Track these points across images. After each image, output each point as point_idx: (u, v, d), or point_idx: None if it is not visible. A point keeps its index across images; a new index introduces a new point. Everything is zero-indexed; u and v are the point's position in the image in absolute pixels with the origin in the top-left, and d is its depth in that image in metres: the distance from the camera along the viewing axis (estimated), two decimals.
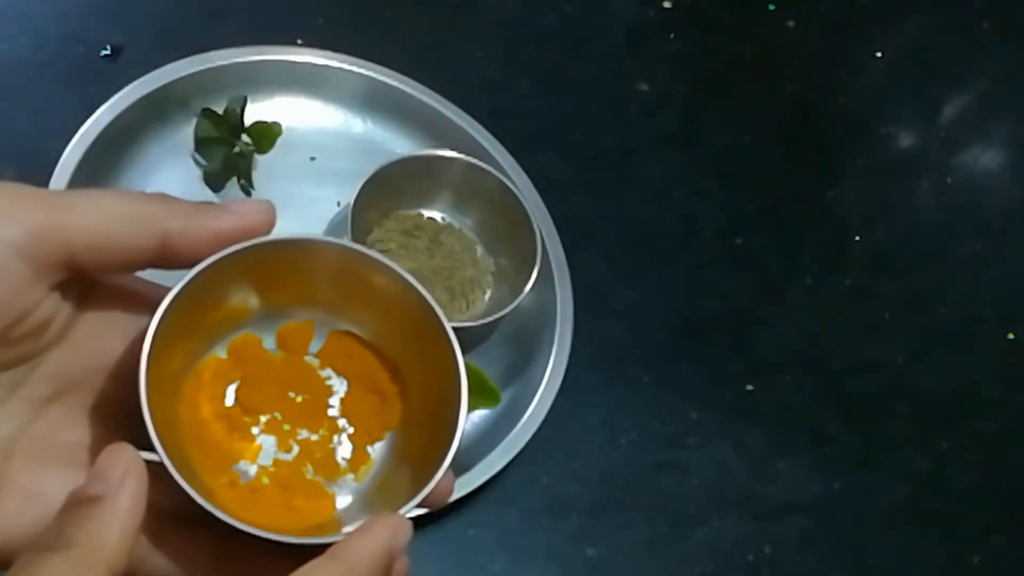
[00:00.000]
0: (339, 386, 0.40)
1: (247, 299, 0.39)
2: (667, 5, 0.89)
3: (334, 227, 0.71)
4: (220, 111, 0.69)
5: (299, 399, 0.39)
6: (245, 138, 0.70)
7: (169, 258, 0.35)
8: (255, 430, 0.38)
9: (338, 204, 0.72)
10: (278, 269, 0.38)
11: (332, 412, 0.39)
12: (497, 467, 0.64)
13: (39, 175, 0.63)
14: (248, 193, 0.71)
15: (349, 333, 0.40)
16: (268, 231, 0.37)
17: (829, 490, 0.72)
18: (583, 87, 0.84)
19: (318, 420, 0.39)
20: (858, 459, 0.74)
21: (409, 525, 0.34)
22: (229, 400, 0.38)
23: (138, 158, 0.69)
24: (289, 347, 0.40)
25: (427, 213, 0.73)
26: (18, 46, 0.72)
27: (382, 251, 0.70)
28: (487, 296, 0.72)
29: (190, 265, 0.35)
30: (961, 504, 0.74)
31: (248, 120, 0.70)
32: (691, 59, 0.88)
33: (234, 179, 0.71)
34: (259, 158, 0.72)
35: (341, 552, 0.33)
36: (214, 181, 0.70)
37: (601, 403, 0.71)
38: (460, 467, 0.63)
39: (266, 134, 0.71)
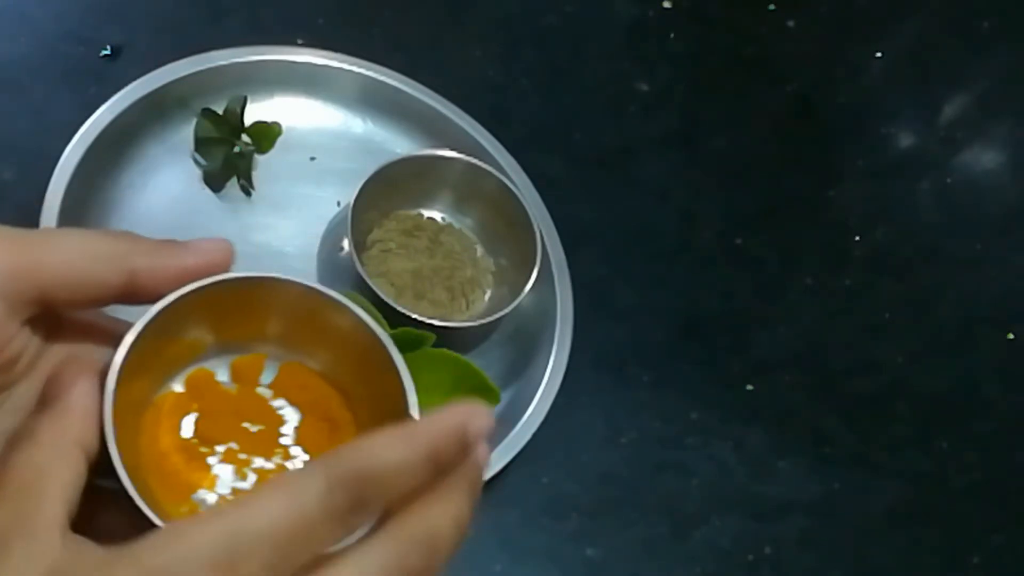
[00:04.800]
0: (292, 416, 0.41)
1: (203, 334, 0.41)
2: (667, 5, 0.89)
3: (334, 227, 0.71)
4: (220, 111, 0.69)
5: (254, 429, 0.40)
6: (245, 138, 0.70)
7: (134, 294, 0.36)
8: (212, 460, 0.39)
9: (338, 204, 0.72)
10: (232, 305, 0.40)
11: (286, 440, 0.40)
12: (497, 467, 0.64)
13: (39, 175, 0.63)
14: (248, 193, 0.71)
15: (301, 364, 0.42)
16: (227, 268, 0.38)
17: (829, 490, 0.72)
18: (583, 87, 0.84)
19: (272, 449, 0.40)
20: (858, 459, 0.74)
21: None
22: (187, 432, 0.40)
23: (138, 158, 0.69)
24: (243, 379, 0.42)
25: (427, 213, 0.73)
26: (18, 46, 0.72)
27: (382, 251, 0.70)
28: (487, 296, 0.72)
29: (153, 300, 0.36)
30: (961, 504, 0.74)
31: (248, 120, 0.70)
32: (691, 59, 0.88)
33: (234, 179, 0.71)
34: (259, 158, 0.72)
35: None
36: (214, 181, 0.70)
37: (601, 403, 0.71)
38: None
39: (266, 134, 0.71)
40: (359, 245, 0.68)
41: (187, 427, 0.40)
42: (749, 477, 0.71)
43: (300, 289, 0.40)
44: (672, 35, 0.88)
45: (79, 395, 0.34)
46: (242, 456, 0.40)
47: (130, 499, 0.34)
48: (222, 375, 0.42)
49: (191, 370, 0.41)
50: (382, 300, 0.64)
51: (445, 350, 0.61)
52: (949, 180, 0.89)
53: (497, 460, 0.64)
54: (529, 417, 0.66)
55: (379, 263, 0.69)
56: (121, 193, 0.68)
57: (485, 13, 0.85)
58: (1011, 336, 0.82)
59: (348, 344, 0.41)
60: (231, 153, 0.70)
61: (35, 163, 0.64)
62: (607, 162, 0.81)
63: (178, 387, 0.41)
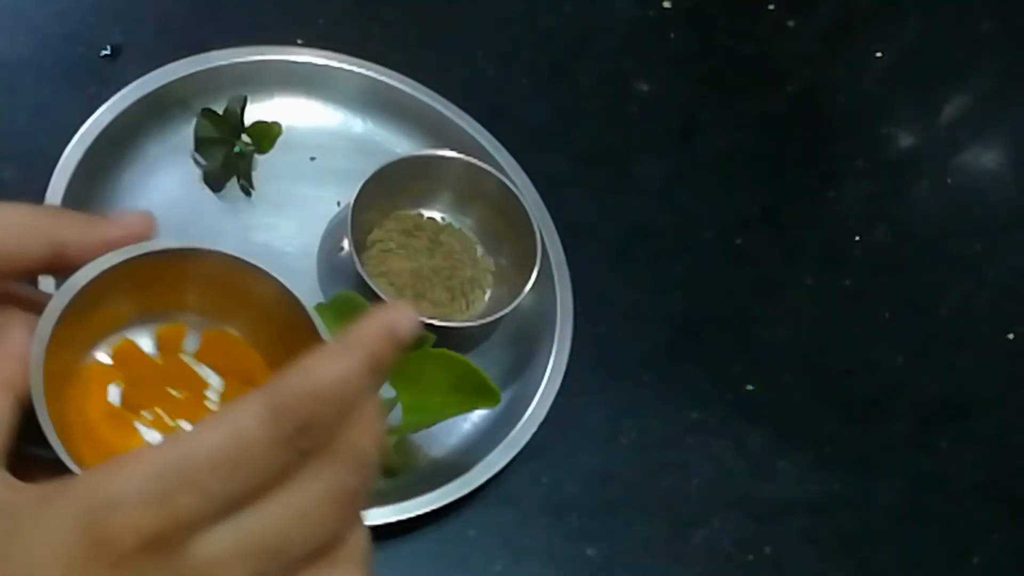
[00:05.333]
0: (216, 381, 0.42)
1: (126, 304, 0.42)
2: (667, 5, 0.89)
3: (334, 227, 0.71)
4: (220, 111, 0.69)
5: (179, 395, 0.42)
6: (245, 138, 0.70)
7: (61, 265, 0.37)
8: (140, 426, 0.40)
9: (338, 204, 0.72)
10: (155, 275, 0.41)
11: (211, 406, 0.42)
12: (497, 467, 0.64)
13: (39, 175, 0.63)
14: (248, 193, 0.71)
15: (223, 331, 0.43)
16: (149, 238, 0.39)
17: (829, 490, 0.72)
18: (583, 87, 0.84)
19: (198, 413, 0.41)
20: (858, 459, 0.74)
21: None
22: (113, 400, 0.41)
23: (138, 158, 0.69)
24: (166, 348, 0.43)
25: (427, 213, 0.73)
26: (18, 46, 0.72)
27: (382, 251, 0.70)
28: (487, 296, 0.72)
29: None
30: (961, 504, 0.74)
31: (248, 120, 0.70)
32: (691, 59, 0.88)
33: (234, 179, 0.71)
34: (259, 158, 0.72)
35: (342, 340, 0.32)
36: (214, 181, 0.70)
37: (601, 403, 0.71)
38: (460, 467, 0.63)
39: (266, 134, 0.71)
40: (359, 245, 0.68)
41: (113, 395, 0.41)
42: (749, 477, 0.71)
43: (220, 258, 0.41)
44: (672, 35, 0.88)
45: (13, 340, 0.35)
46: (169, 422, 0.41)
47: (63, 465, 0.34)
48: (146, 344, 0.43)
49: (116, 340, 0.42)
50: (382, 300, 0.64)
51: (445, 350, 0.61)
52: (949, 180, 0.89)
53: (497, 460, 0.64)
54: (529, 417, 0.66)
55: (379, 263, 0.69)
56: (121, 193, 0.68)
57: (485, 13, 0.85)
58: (1011, 336, 0.82)
59: (268, 309, 0.42)
60: (231, 153, 0.70)
61: (35, 163, 0.64)
62: (607, 162, 0.81)
63: (103, 357, 0.42)
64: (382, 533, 0.61)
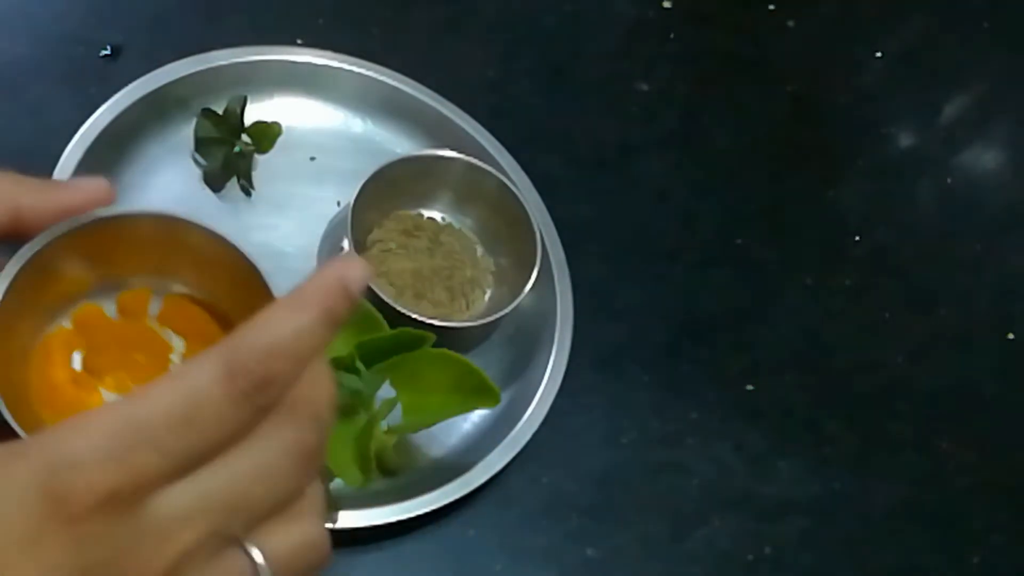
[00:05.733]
0: (179, 345, 0.43)
1: (87, 271, 0.43)
2: (667, 5, 0.89)
3: (334, 227, 0.71)
4: (220, 111, 0.69)
5: (141, 359, 0.42)
6: (245, 138, 0.70)
7: (19, 231, 0.38)
8: (104, 391, 0.41)
9: (338, 204, 0.72)
10: (114, 241, 0.42)
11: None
12: (497, 467, 0.64)
13: (39, 175, 0.63)
14: (248, 193, 0.71)
15: (184, 295, 0.44)
16: (108, 204, 0.39)
17: (829, 490, 0.72)
18: (583, 87, 0.84)
19: (160, 375, 0.42)
20: (858, 459, 0.74)
21: (360, 261, 0.33)
22: (77, 365, 0.42)
23: (138, 158, 0.69)
24: (129, 313, 0.44)
25: (427, 213, 0.73)
26: (18, 46, 0.72)
27: (382, 251, 0.70)
28: (487, 296, 0.72)
29: None
30: (961, 504, 0.74)
31: (248, 120, 0.70)
32: (691, 59, 0.88)
33: (234, 179, 0.71)
34: (259, 158, 0.72)
35: (295, 295, 0.32)
36: (214, 181, 0.70)
37: (601, 403, 0.71)
38: (460, 467, 0.63)
39: (266, 134, 0.71)
40: (359, 245, 0.68)
41: (77, 361, 0.42)
42: (749, 477, 0.71)
43: (174, 222, 0.42)
44: (672, 35, 0.88)
45: None
46: (131, 385, 0.41)
47: (12, 431, 0.35)
48: (109, 310, 0.44)
49: (78, 306, 0.43)
50: (382, 300, 0.64)
51: (445, 350, 0.61)
52: (949, 180, 0.89)
53: (497, 460, 0.64)
54: (529, 417, 0.66)
55: (379, 263, 0.69)
56: (121, 193, 0.66)
57: (485, 13, 0.85)
58: (1011, 336, 0.82)
59: (224, 270, 0.42)
60: (231, 153, 0.70)
61: (35, 163, 0.64)
62: (607, 162, 0.81)
63: (66, 323, 0.43)
64: (382, 533, 0.61)
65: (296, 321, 0.31)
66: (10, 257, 0.38)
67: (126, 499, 0.29)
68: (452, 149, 0.72)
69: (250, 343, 0.30)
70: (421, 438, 0.65)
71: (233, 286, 0.42)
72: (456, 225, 0.73)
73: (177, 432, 0.29)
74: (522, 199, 0.71)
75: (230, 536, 0.31)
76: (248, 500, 0.31)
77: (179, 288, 0.44)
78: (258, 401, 0.30)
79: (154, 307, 0.44)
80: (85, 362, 0.42)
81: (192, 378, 0.30)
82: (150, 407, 0.29)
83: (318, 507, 0.33)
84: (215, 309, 0.44)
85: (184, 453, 0.30)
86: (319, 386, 0.32)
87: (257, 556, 0.31)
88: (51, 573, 0.29)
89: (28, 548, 0.28)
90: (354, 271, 0.32)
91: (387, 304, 0.64)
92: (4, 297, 0.37)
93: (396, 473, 0.64)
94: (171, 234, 0.42)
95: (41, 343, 0.42)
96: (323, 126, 0.74)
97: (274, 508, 0.32)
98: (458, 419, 0.66)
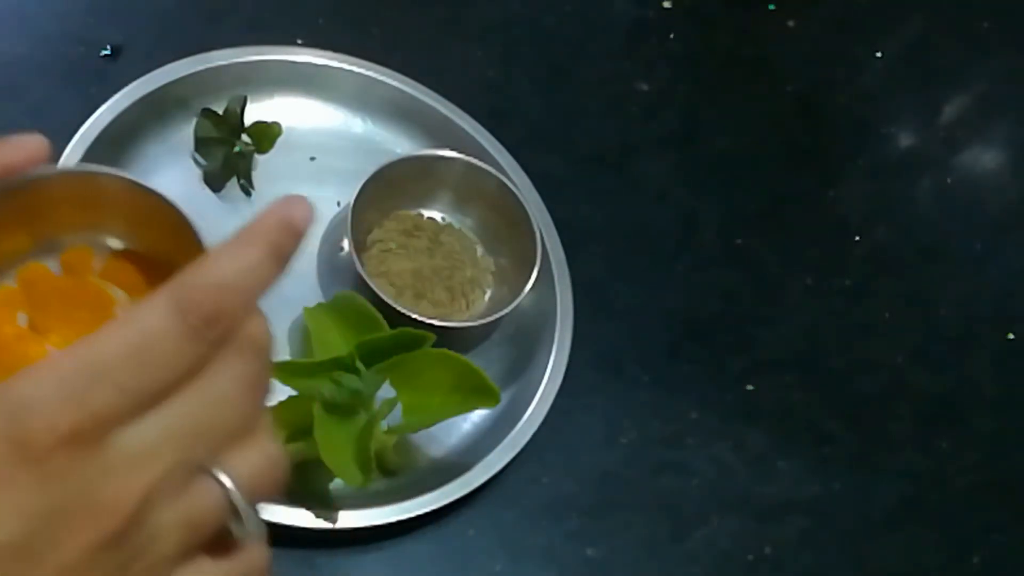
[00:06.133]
0: (122, 298, 0.44)
1: (29, 230, 0.43)
2: (667, 5, 0.89)
3: (334, 227, 0.71)
4: (220, 111, 0.69)
5: (86, 315, 0.43)
6: (245, 138, 0.70)
7: None
8: (49, 347, 0.41)
9: (338, 204, 0.72)
10: (44, 200, 0.42)
11: None
12: (497, 467, 0.64)
13: None
14: (248, 193, 0.71)
15: (125, 250, 0.45)
16: (45, 161, 0.39)
17: (829, 490, 0.72)
18: (583, 87, 0.84)
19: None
20: (858, 459, 0.74)
21: (304, 199, 0.35)
22: (23, 323, 0.42)
23: (138, 158, 0.69)
24: (73, 270, 0.45)
25: (427, 213, 0.73)
26: (18, 46, 0.72)
27: (382, 251, 0.70)
28: (487, 296, 0.72)
29: None
30: (961, 504, 0.74)
31: (248, 120, 0.70)
32: (691, 59, 0.88)
33: (234, 179, 0.71)
34: (259, 158, 0.72)
35: (243, 232, 0.33)
36: (214, 181, 0.70)
37: (601, 403, 0.71)
38: (460, 467, 0.63)
39: (266, 134, 0.71)
40: (359, 245, 0.68)
41: (23, 319, 0.42)
42: (749, 477, 0.71)
43: (102, 178, 0.43)
44: (672, 35, 0.88)
45: None
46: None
47: None
48: (54, 268, 0.45)
49: (23, 265, 0.44)
50: (382, 300, 0.64)
51: (445, 350, 0.61)
52: (949, 180, 0.89)
53: (497, 460, 0.64)
54: (529, 417, 0.66)
55: (379, 263, 0.69)
56: None
57: (485, 13, 0.85)
58: (1011, 336, 0.82)
59: (158, 223, 0.43)
60: (231, 153, 0.70)
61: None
62: (607, 162, 0.81)
63: (10, 282, 0.43)
64: (382, 533, 0.61)
65: (243, 257, 0.32)
66: None
67: (88, 436, 0.29)
68: (452, 149, 0.72)
69: (199, 280, 0.31)
70: (421, 438, 0.65)
71: (168, 238, 0.42)
72: (456, 225, 0.73)
73: (132, 369, 0.30)
74: (522, 199, 0.71)
75: (197, 465, 0.32)
76: (208, 429, 0.32)
77: (117, 243, 0.45)
78: (209, 336, 0.31)
79: (97, 264, 0.45)
80: (31, 320, 0.42)
81: (144, 317, 0.31)
82: (104, 347, 0.30)
83: (270, 431, 0.35)
84: (155, 262, 0.44)
85: (141, 389, 0.30)
86: (258, 322, 0.33)
87: (225, 480, 0.33)
88: (22, 514, 0.29)
89: None
90: (299, 209, 0.34)
91: (387, 304, 0.64)
92: None
93: (396, 473, 0.64)
94: (101, 190, 0.43)
95: None
96: (323, 126, 0.74)
97: (233, 435, 0.33)
98: (458, 419, 0.66)
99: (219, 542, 0.34)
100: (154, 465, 0.31)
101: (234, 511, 0.33)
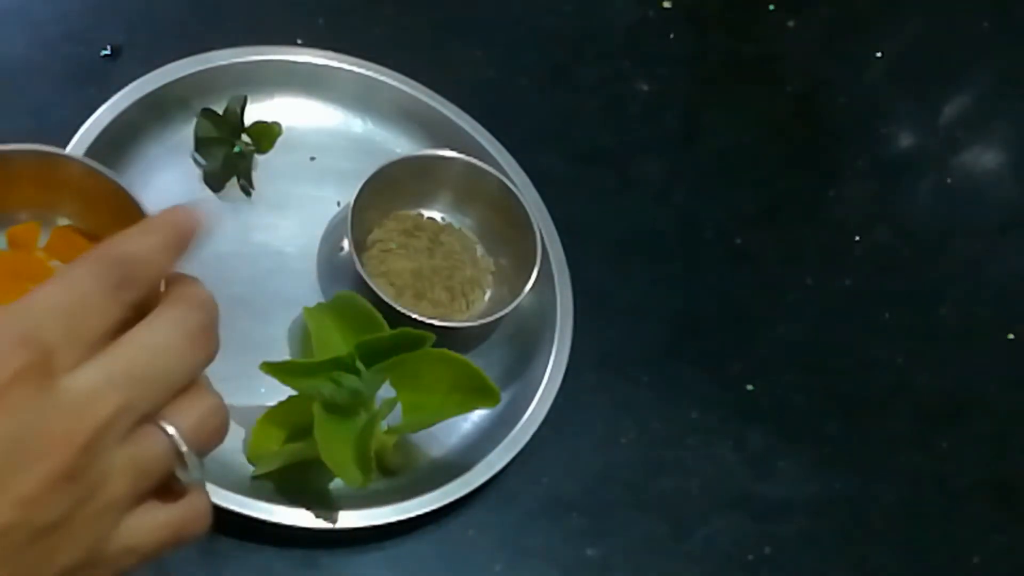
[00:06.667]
0: None
1: None
2: (667, 5, 0.89)
3: (334, 227, 0.71)
4: (220, 111, 0.69)
5: (29, 286, 0.44)
6: (245, 138, 0.70)
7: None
8: None
9: (338, 204, 0.72)
10: (6, 177, 0.46)
11: None
12: (497, 467, 0.64)
13: None
14: (248, 193, 0.71)
15: (70, 227, 0.48)
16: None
17: (829, 490, 0.72)
18: (583, 87, 0.84)
19: None
20: (858, 459, 0.74)
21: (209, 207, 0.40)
22: None
23: (138, 158, 0.69)
24: (19, 245, 0.48)
25: (427, 213, 0.73)
26: (18, 46, 0.72)
27: (382, 251, 0.70)
28: (487, 296, 0.72)
29: None
30: (961, 504, 0.74)
31: (248, 120, 0.70)
32: (691, 59, 0.88)
33: (234, 179, 0.71)
34: (259, 158, 0.72)
35: (150, 222, 0.38)
36: (214, 181, 0.70)
37: (601, 403, 0.71)
38: (460, 467, 0.63)
39: (266, 134, 0.71)
40: (359, 245, 0.68)
41: None
42: (749, 477, 0.71)
43: (53, 157, 0.46)
44: (672, 35, 0.88)
45: None
46: None
47: None
48: (0, 242, 0.48)
49: None
50: (382, 300, 0.64)
51: (445, 350, 0.61)
52: (949, 180, 0.89)
53: (497, 460, 0.64)
54: (529, 417, 0.66)
55: (379, 263, 0.69)
56: None
57: (485, 13, 0.85)
58: (1011, 336, 0.82)
59: (105, 203, 0.46)
60: (231, 153, 0.70)
61: None
62: (607, 162, 0.81)
63: None
64: (382, 533, 0.61)
65: (151, 238, 0.37)
66: None
67: (39, 372, 0.33)
68: (452, 149, 0.72)
69: (110, 250, 0.37)
70: (421, 438, 0.65)
71: (115, 217, 0.44)
72: (456, 225, 0.73)
73: (66, 317, 0.34)
74: (522, 199, 0.71)
75: (143, 414, 0.35)
76: (151, 374, 0.36)
77: (64, 221, 0.48)
78: (125, 297, 0.36)
79: (42, 240, 0.48)
80: None
81: (71, 276, 0.35)
82: (40, 299, 0.35)
83: (208, 382, 0.39)
84: (99, 239, 0.45)
85: (78, 336, 0.34)
86: (193, 284, 0.39)
87: (171, 429, 0.36)
88: None
89: None
90: (201, 213, 0.38)
91: (387, 304, 0.64)
92: None
93: (396, 473, 0.64)
94: (52, 169, 0.46)
95: None
96: (323, 126, 0.74)
97: (176, 385, 0.36)
98: (458, 419, 0.66)
99: (165, 489, 0.37)
100: (102, 404, 0.34)
101: (179, 458, 0.36)
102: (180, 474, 0.37)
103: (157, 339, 0.36)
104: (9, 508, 0.33)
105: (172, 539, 0.37)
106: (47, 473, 0.33)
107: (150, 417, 0.36)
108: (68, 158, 0.46)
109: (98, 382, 0.34)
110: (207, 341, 0.37)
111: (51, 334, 0.34)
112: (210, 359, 0.38)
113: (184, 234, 0.38)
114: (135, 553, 0.36)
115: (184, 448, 0.36)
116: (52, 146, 0.46)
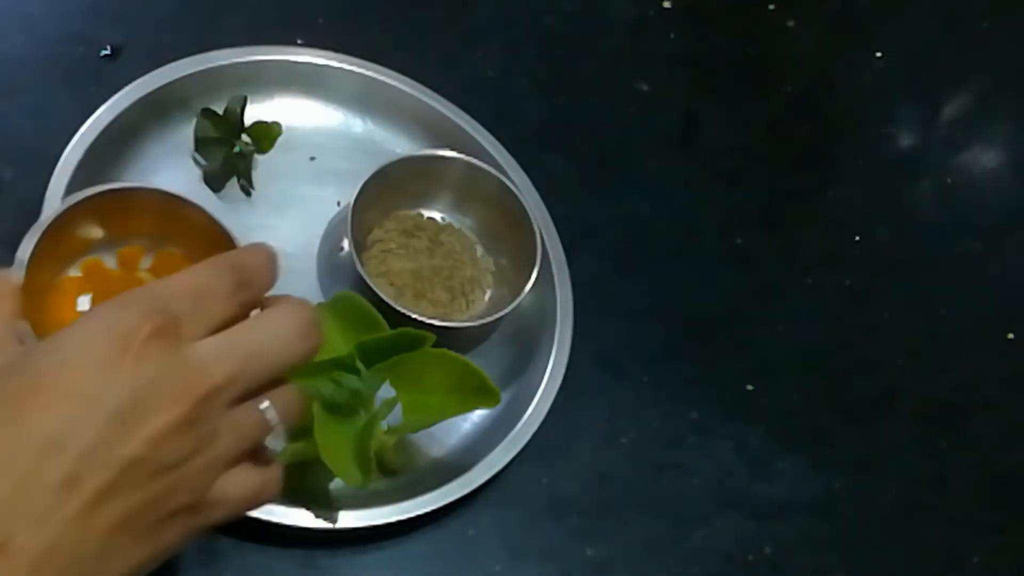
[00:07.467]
0: None
1: (93, 231, 0.56)
2: (667, 5, 0.89)
3: (334, 227, 0.71)
4: (220, 111, 0.69)
5: None
6: (245, 138, 0.70)
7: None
8: None
9: (338, 204, 0.72)
10: (115, 208, 0.54)
11: None
12: (497, 467, 0.64)
13: (39, 175, 0.63)
14: (248, 193, 0.71)
15: (172, 252, 0.56)
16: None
17: (829, 490, 0.72)
18: (583, 87, 0.84)
19: None
20: (858, 459, 0.74)
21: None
22: (83, 307, 0.54)
23: (138, 158, 0.69)
24: (126, 265, 0.57)
25: (427, 213, 0.73)
26: (18, 46, 0.72)
27: (382, 251, 0.70)
28: (487, 296, 0.72)
29: None
30: (961, 504, 0.74)
31: (248, 120, 0.70)
32: (691, 59, 0.88)
33: (234, 179, 0.71)
34: (259, 158, 0.72)
35: (236, 253, 0.46)
36: (214, 181, 0.70)
37: (601, 403, 0.71)
38: (460, 467, 0.63)
39: (266, 134, 0.71)
40: (359, 245, 0.68)
41: (84, 304, 0.55)
42: (749, 477, 0.71)
43: (161, 195, 0.55)
44: (672, 35, 0.88)
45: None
46: None
47: None
48: (110, 263, 0.57)
49: (85, 259, 0.56)
50: (382, 300, 0.64)
51: (445, 350, 0.61)
52: (949, 180, 0.89)
53: (497, 460, 0.64)
54: (529, 417, 0.66)
55: (379, 263, 0.69)
56: None
57: (485, 13, 0.85)
58: (1011, 336, 0.82)
59: (202, 233, 0.55)
60: (231, 153, 0.70)
61: (35, 163, 0.64)
62: (607, 162, 0.81)
63: (75, 272, 0.56)
64: (382, 533, 0.61)
65: (256, 257, 0.45)
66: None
67: (167, 336, 0.40)
68: (452, 149, 0.72)
69: (230, 259, 0.45)
70: (421, 438, 0.65)
71: (212, 247, 0.51)
72: (456, 225, 0.73)
73: (192, 299, 0.41)
74: (522, 199, 0.71)
75: (250, 387, 0.42)
76: (262, 353, 0.42)
77: (169, 248, 0.57)
78: (240, 296, 0.43)
79: (146, 262, 0.57)
80: (92, 303, 0.54)
81: (197, 272, 0.43)
82: (173, 283, 0.42)
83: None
84: (194, 262, 0.50)
85: (201, 316, 0.41)
86: (298, 298, 0.46)
87: (266, 404, 0.43)
88: (124, 387, 0.39)
89: (106, 370, 0.39)
90: (275, 256, 0.46)
91: (387, 304, 0.64)
92: (33, 251, 0.49)
93: (396, 473, 0.64)
94: (167, 206, 0.55)
95: (53, 288, 0.55)
96: (323, 126, 0.74)
97: (281, 368, 0.43)
98: (458, 419, 0.66)
99: (254, 456, 0.44)
100: (218, 369, 0.41)
101: (271, 430, 0.43)
102: (270, 442, 0.44)
103: (272, 326, 0.43)
104: (140, 443, 0.39)
105: (255, 498, 0.44)
106: (171, 419, 0.39)
107: (253, 393, 0.43)
108: (178, 198, 0.55)
109: (217, 352, 0.41)
110: (314, 335, 0.44)
111: (180, 309, 0.41)
112: (314, 352, 0.44)
113: (277, 261, 0.46)
114: (226, 505, 0.43)
115: (276, 422, 0.43)
116: (170, 189, 0.55)
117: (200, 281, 0.43)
